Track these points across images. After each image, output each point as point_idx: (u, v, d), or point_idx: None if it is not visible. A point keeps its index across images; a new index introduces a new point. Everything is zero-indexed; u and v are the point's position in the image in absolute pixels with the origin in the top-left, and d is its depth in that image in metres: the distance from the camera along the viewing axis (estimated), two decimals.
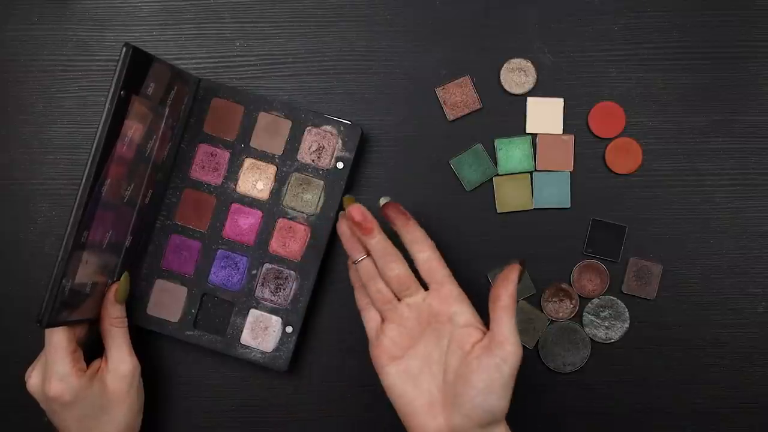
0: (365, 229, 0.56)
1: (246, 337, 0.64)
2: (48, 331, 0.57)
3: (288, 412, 0.66)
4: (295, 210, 0.64)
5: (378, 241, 0.56)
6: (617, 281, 0.65)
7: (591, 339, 0.65)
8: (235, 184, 0.64)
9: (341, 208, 0.64)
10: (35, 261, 0.66)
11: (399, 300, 0.57)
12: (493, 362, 0.52)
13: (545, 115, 0.65)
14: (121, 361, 0.60)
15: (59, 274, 0.54)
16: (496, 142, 0.65)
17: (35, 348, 0.62)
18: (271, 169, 0.64)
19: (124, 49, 0.53)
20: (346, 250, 0.57)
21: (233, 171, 0.64)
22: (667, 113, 0.65)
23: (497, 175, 0.65)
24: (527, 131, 0.65)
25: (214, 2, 0.66)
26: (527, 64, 0.65)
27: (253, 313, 0.64)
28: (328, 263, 0.66)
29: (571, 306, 0.65)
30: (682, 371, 0.65)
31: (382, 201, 0.57)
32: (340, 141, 0.64)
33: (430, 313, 0.56)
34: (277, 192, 0.64)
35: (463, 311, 0.55)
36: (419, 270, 0.56)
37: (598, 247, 0.65)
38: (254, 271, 0.64)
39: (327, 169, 0.64)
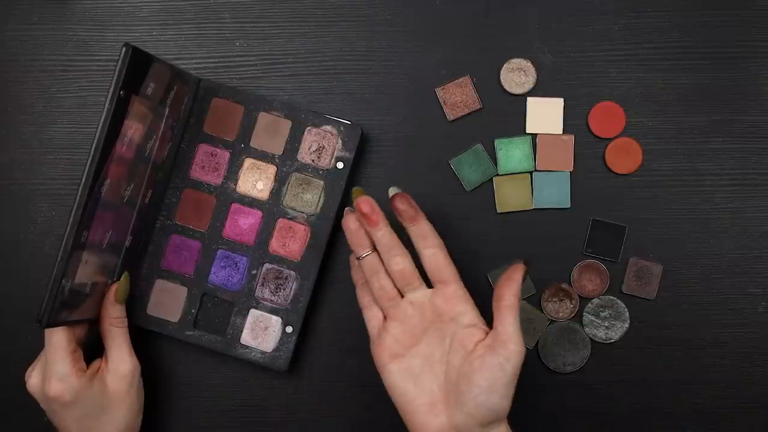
0: (372, 221, 0.55)
1: (246, 337, 0.64)
2: (48, 331, 0.57)
3: (288, 412, 0.66)
4: (295, 210, 0.64)
5: (384, 234, 0.56)
6: (617, 281, 0.65)
7: (591, 339, 0.65)
8: (235, 184, 0.64)
9: (345, 205, 0.64)
10: (35, 261, 0.66)
11: (402, 296, 0.56)
12: (497, 361, 0.52)
13: (545, 115, 0.65)
14: (121, 361, 0.60)
15: (59, 274, 0.54)
16: (496, 142, 0.65)
17: (35, 348, 0.62)
18: (271, 169, 0.64)
19: (124, 49, 0.53)
20: (350, 245, 0.57)
21: (233, 171, 0.64)
22: (667, 113, 0.65)
23: (497, 175, 0.65)
24: (527, 131, 0.65)
25: (214, 2, 0.66)
26: (527, 64, 0.65)
27: (253, 313, 0.64)
28: (328, 263, 0.66)
29: (571, 306, 0.65)
30: (682, 371, 0.65)
31: (392, 191, 0.57)
32: (340, 141, 0.64)
33: (433, 311, 0.56)
34: (277, 192, 0.64)
35: (467, 311, 0.55)
36: (425, 267, 0.56)
37: (598, 247, 0.65)
38: (254, 271, 0.64)
39: (327, 169, 0.64)
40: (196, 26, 0.66)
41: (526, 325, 0.65)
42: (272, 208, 0.64)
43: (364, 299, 0.58)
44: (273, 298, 0.64)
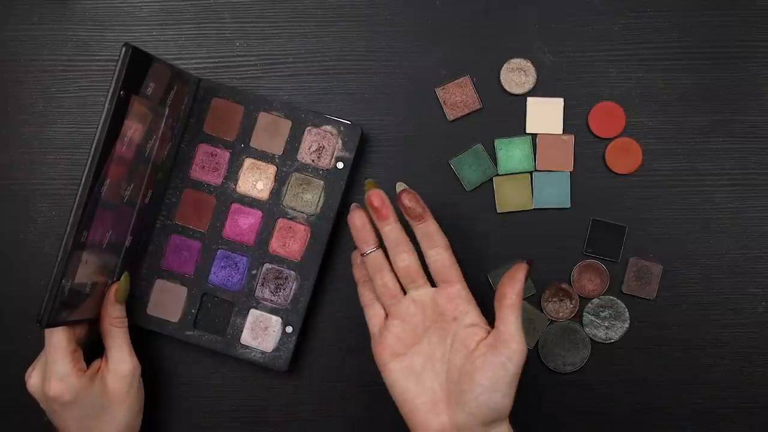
0: (382, 215, 0.55)
1: (246, 337, 0.64)
2: (48, 331, 0.57)
3: (288, 412, 0.66)
4: (295, 210, 0.64)
5: (392, 229, 0.55)
6: (617, 281, 0.65)
7: (591, 339, 0.65)
8: (235, 184, 0.64)
9: (345, 205, 0.64)
10: (35, 261, 0.66)
11: (404, 293, 0.56)
12: (499, 360, 0.52)
13: (545, 115, 0.65)
14: (121, 361, 0.60)
15: (59, 274, 0.54)
16: (496, 142, 0.65)
17: (35, 348, 0.62)
18: (271, 169, 0.64)
19: (124, 49, 0.53)
20: (355, 241, 0.57)
21: (233, 171, 0.64)
22: (667, 113, 0.65)
23: (497, 175, 0.65)
24: (527, 131, 0.65)
25: (214, 2, 0.66)
26: (527, 64, 0.65)
27: (253, 313, 0.64)
28: (328, 263, 0.66)
29: (571, 306, 0.65)
30: (682, 371, 0.65)
31: (399, 187, 0.57)
32: (340, 141, 0.64)
33: (435, 310, 0.55)
34: (277, 192, 0.64)
35: (469, 311, 0.55)
36: (429, 266, 0.55)
37: (598, 247, 0.65)
38: (254, 271, 0.64)
39: (327, 169, 0.64)
40: (196, 26, 0.66)
41: (526, 325, 0.65)
42: (272, 208, 0.64)
43: (365, 297, 0.58)
44: (273, 298, 0.64)
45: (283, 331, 0.64)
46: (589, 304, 0.65)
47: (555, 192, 0.65)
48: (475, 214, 0.65)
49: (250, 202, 0.64)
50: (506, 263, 0.65)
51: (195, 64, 0.66)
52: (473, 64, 0.65)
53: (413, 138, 0.65)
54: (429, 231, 0.55)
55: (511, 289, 0.54)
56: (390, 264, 0.56)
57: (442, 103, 0.65)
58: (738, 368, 0.65)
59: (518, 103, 0.65)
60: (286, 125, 0.64)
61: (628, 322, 0.65)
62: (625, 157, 0.65)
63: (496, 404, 0.52)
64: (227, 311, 0.65)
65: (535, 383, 0.65)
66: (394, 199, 0.58)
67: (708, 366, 0.65)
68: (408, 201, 0.55)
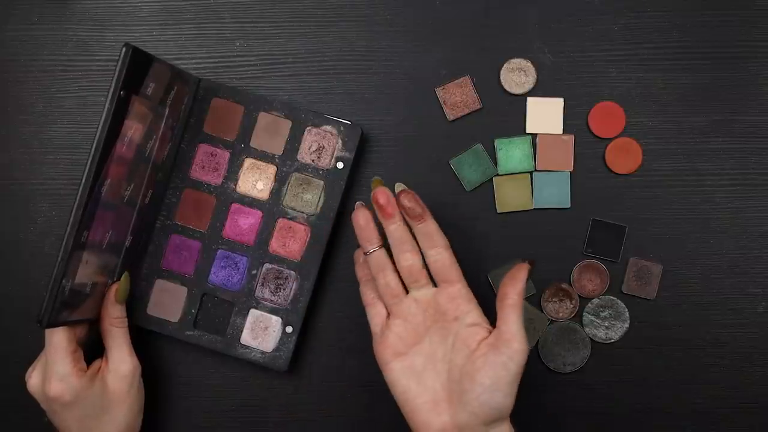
0: (387, 214, 0.55)
1: (246, 337, 0.64)
2: (48, 332, 0.57)
3: (288, 412, 0.66)
4: (295, 210, 0.64)
5: (397, 227, 0.55)
6: (617, 281, 0.65)
7: (591, 339, 0.65)
8: (235, 184, 0.64)
9: (345, 205, 0.64)
10: (35, 261, 0.66)
11: (407, 292, 0.56)
12: (500, 360, 0.52)
13: (545, 115, 0.65)
14: (121, 361, 0.60)
15: (59, 274, 0.54)
16: (496, 142, 0.65)
17: (35, 348, 0.62)
18: (271, 169, 0.64)
19: (124, 49, 0.53)
20: (358, 240, 0.57)
21: (233, 171, 0.64)
22: (667, 113, 0.65)
23: (497, 175, 0.65)
24: (527, 131, 0.65)
25: (214, 2, 0.66)
26: (527, 64, 0.65)
27: (253, 313, 0.64)
28: (328, 263, 0.66)
29: (571, 306, 0.65)
30: (682, 371, 0.65)
31: (398, 188, 0.57)
32: (340, 141, 0.64)
33: (437, 310, 0.56)
34: (277, 192, 0.64)
35: (471, 311, 0.55)
36: (430, 266, 0.55)
37: (598, 247, 0.65)
38: (254, 271, 0.64)
39: (327, 169, 0.64)
40: (196, 26, 0.66)
41: (526, 325, 0.65)
42: (272, 208, 0.64)
43: (367, 296, 0.58)
44: (273, 298, 0.64)
45: (283, 331, 0.64)
46: (589, 304, 0.65)
47: (555, 192, 0.65)
48: (475, 214, 0.65)
49: (250, 202, 0.64)
50: (506, 263, 0.65)
51: (195, 64, 0.66)
52: (473, 64, 0.65)
53: (413, 138, 0.65)
54: (429, 231, 0.55)
55: (513, 288, 0.54)
56: (393, 263, 0.56)
57: (442, 103, 0.65)
58: (738, 368, 0.65)
59: (518, 103, 0.65)
60: (286, 125, 0.64)
61: (628, 322, 0.65)
62: (625, 157, 0.65)
63: (498, 404, 0.52)
64: (227, 311, 0.65)
65: (535, 383, 0.65)
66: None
67: (708, 366, 0.65)
68: (407, 201, 0.55)
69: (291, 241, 0.64)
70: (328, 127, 0.64)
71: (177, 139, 0.64)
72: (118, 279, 0.61)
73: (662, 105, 0.65)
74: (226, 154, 0.64)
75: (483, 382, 0.52)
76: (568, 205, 0.65)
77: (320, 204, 0.64)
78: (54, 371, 0.57)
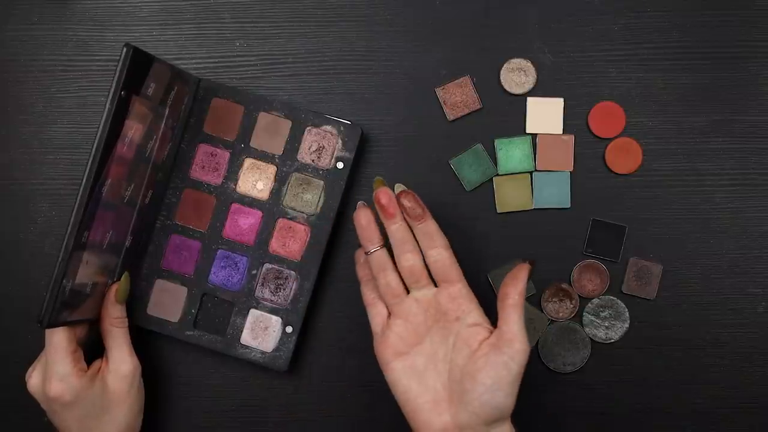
0: (389, 213, 0.55)
1: (246, 337, 0.64)
2: (48, 332, 0.57)
3: (288, 412, 0.66)
4: (295, 210, 0.64)
5: (398, 228, 0.56)
6: (617, 281, 0.65)
7: (591, 339, 0.65)
8: (235, 184, 0.64)
9: (345, 205, 0.64)
10: (35, 261, 0.66)
11: (408, 293, 0.56)
12: (501, 360, 0.52)
13: (545, 115, 0.65)
14: (121, 361, 0.60)
15: (59, 275, 0.54)
16: (496, 142, 0.65)
17: (35, 348, 0.62)
18: (271, 169, 0.64)
19: (125, 50, 0.53)
20: (360, 239, 0.57)
21: (233, 171, 0.64)
22: (667, 113, 0.65)
23: (497, 175, 0.65)
24: (527, 131, 0.65)
25: (214, 2, 0.66)
26: (527, 64, 0.65)
27: (253, 313, 0.64)
28: (328, 263, 0.66)
29: (571, 306, 0.65)
30: (682, 371, 0.65)
31: (398, 188, 0.57)
32: (340, 141, 0.64)
33: (438, 310, 0.56)
34: (277, 192, 0.64)
35: (472, 311, 0.55)
36: (430, 266, 0.56)
37: (598, 247, 0.65)
38: (254, 271, 0.64)
39: (327, 169, 0.64)
40: (196, 26, 0.66)
41: (526, 325, 0.64)
42: (272, 208, 0.64)
43: (368, 296, 0.58)
44: (273, 298, 0.64)
45: (283, 331, 0.64)
46: (589, 304, 0.65)
47: (555, 192, 0.65)
48: (475, 214, 0.65)
49: (250, 202, 0.64)
50: (506, 263, 0.65)
51: (195, 64, 0.66)
52: (473, 64, 0.65)
53: (413, 138, 0.65)
54: (429, 231, 0.55)
55: (514, 288, 0.54)
56: (394, 263, 0.56)
57: (442, 103, 0.65)
58: (738, 368, 0.65)
59: (518, 103, 0.65)
60: (286, 125, 0.64)
61: (628, 322, 0.65)
62: (625, 157, 0.65)
63: (499, 403, 0.52)
64: (227, 311, 0.65)
65: (535, 383, 0.65)
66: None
67: (708, 366, 0.65)
68: (407, 201, 0.55)
69: (291, 241, 0.64)
70: (328, 127, 0.64)
71: (177, 139, 0.64)
72: (118, 279, 0.61)
73: (662, 105, 0.65)
74: (226, 154, 0.64)
75: (484, 381, 0.52)
76: (568, 205, 0.65)
77: (320, 204, 0.64)
78: (54, 371, 0.57)
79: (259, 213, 0.64)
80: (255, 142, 0.64)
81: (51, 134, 0.66)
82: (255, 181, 0.64)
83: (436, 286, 0.56)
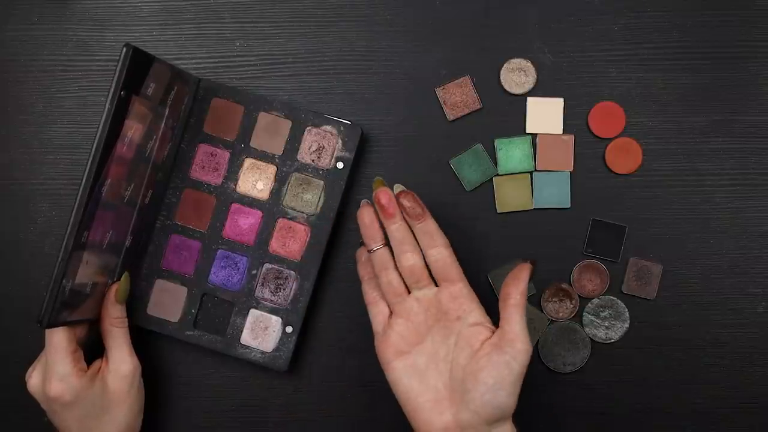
0: (388, 213, 0.55)
1: (246, 337, 0.64)
2: (48, 332, 0.57)
3: (288, 412, 0.66)
4: (295, 210, 0.64)
5: (398, 227, 0.56)
6: (617, 281, 0.65)
7: (591, 339, 0.65)
8: (235, 184, 0.64)
9: (345, 205, 0.64)
10: (35, 261, 0.66)
11: (409, 293, 0.56)
12: (503, 359, 0.52)
13: (545, 115, 0.65)
14: (121, 361, 0.60)
15: (59, 275, 0.54)
16: (496, 142, 0.65)
17: (35, 348, 0.62)
18: (271, 169, 0.64)
19: (125, 50, 0.53)
20: (363, 238, 0.57)
21: (233, 171, 0.64)
22: (667, 113, 0.65)
23: (497, 175, 0.65)
24: (527, 131, 0.65)
25: (214, 2, 0.66)
26: (527, 64, 0.65)
27: (253, 313, 0.64)
28: (328, 263, 0.66)
29: (571, 306, 0.65)
30: (682, 371, 0.65)
31: (397, 189, 0.57)
32: (340, 141, 0.64)
33: (439, 309, 0.56)
34: (277, 192, 0.64)
35: (473, 310, 0.55)
36: (430, 265, 0.56)
37: (598, 247, 0.65)
38: (254, 271, 0.64)
39: (327, 169, 0.64)
40: (196, 26, 0.66)
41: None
42: (272, 208, 0.64)
43: (370, 294, 0.58)
44: (273, 298, 0.64)
45: (283, 331, 0.64)
46: (589, 304, 0.65)
47: (555, 192, 0.65)
48: (475, 214, 0.65)
49: (250, 202, 0.64)
50: (506, 263, 0.65)
51: (195, 64, 0.66)
52: (473, 64, 0.65)
53: (413, 138, 0.65)
54: (429, 230, 0.55)
55: (516, 288, 0.54)
56: (395, 262, 0.56)
57: (442, 103, 0.65)
58: (738, 368, 0.65)
59: (518, 103, 0.65)
60: (286, 125, 0.64)
61: (628, 322, 0.65)
62: (625, 157, 0.65)
63: (500, 403, 0.52)
64: (227, 311, 0.65)
65: (535, 383, 0.65)
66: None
67: (708, 366, 0.65)
68: (407, 201, 0.55)
69: (291, 241, 0.64)
70: (328, 127, 0.64)
71: (177, 139, 0.64)
72: (118, 279, 0.61)
73: (662, 105, 0.65)
74: (226, 154, 0.64)
75: (486, 381, 0.52)
76: (568, 205, 0.65)
77: (320, 204, 0.64)
78: (54, 371, 0.57)
79: (259, 213, 0.64)
80: (255, 142, 0.64)
81: (51, 134, 0.66)
82: (255, 181, 0.64)
83: (437, 285, 0.56)
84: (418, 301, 0.56)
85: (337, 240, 0.66)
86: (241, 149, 0.64)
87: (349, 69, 0.66)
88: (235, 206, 0.64)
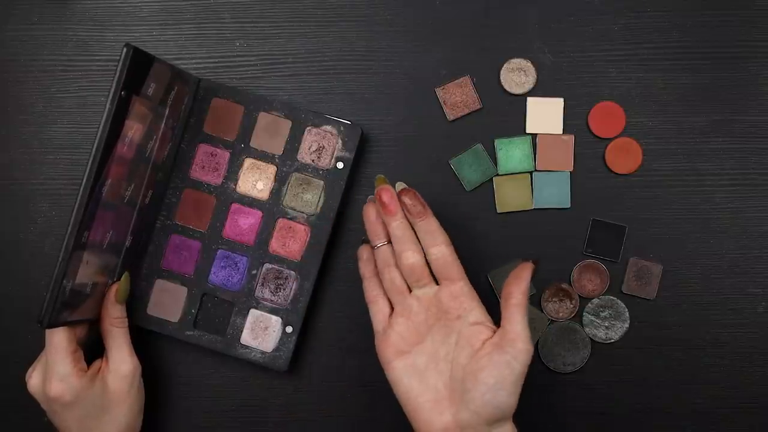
0: (390, 211, 0.55)
1: (246, 337, 0.64)
2: (48, 332, 0.57)
3: (288, 412, 0.66)
4: (295, 210, 0.64)
5: (399, 225, 0.56)
6: (617, 281, 0.65)
7: (591, 339, 0.65)
8: (235, 184, 0.64)
9: (345, 205, 0.64)
10: (35, 261, 0.66)
11: (410, 291, 0.56)
12: (504, 359, 0.52)
13: (545, 115, 0.65)
14: (121, 361, 0.60)
15: (60, 275, 0.54)
16: (496, 142, 0.65)
17: (35, 348, 0.62)
18: (271, 169, 0.64)
19: (125, 50, 0.53)
20: (368, 234, 0.57)
21: (233, 171, 0.64)
22: (667, 113, 0.65)
23: (497, 175, 0.65)
24: (527, 131, 0.65)
25: (214, 2, 0.66)
26: (527, 64, 0.65)
27: (253, 313, 0.64)
28: (328, 263, 0.66)
29: (571, 306, 0.65)
30: (682, 371, 0.65)
31: (398, 186, 0.57)
32: (340, 141, 0.64)
33: (439, 308, 0.56)
34: (277, 192, 0.64)
35: (474, 309, 0.55)
36: (431, 263, 0.55)
37: (598, 247, 0.65)
38: (254, 271, 0.64)
39: (327, 169, 0.64)
40: (196, 26, 0.66)
41: None
42: (272, 208, 0.64)
43: (371, 292, 0.58)
44: (273, 298, 0.64)
45: (283, 331, 0.64)
46: (589, 304, 0.65)
47: (555, 192, 0.65)
48: (475, 214, 0.65)
49: (250, 202, 0.64)
50: (506, 263, 0.65)
51: (195, 64, 0.66)
52: (473, 64, 0.65)
53: (413, 138, 0.65)
54: (430, 228, 0.55)
55: (517, 288, 0.54)
56: None
57: (442, 103, 0.65)
58: (738, 368, 0.65)
59: (518, 103, 0.65)
60: (286, 125, 0.64)
61: (628, 322, 0.65)
62: (625, 157, 0.65)
63: (501, 403, 0.52)
64: (227, 311, 0.65)
65: (535, 383, 0.65)
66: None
67: (708, 366, 0.65)
68: (408, 199, 0.55)
69: (291, 241, 0.64)
70: (328, 127, 0.64)
71: (177, 139, 0.64)
72: (118, 279, 0.61)
73: (662, 105, 0.65)
74: (226, 154, 0.64)
75: (487, 381, 0.52)
76: (568, 205, 0.65)
77: (320, 204, 0.64)
78: (54, 371, 0.57)
79: (259, 213, 0.64)
80: (255, 142, 0.64)
81: (51, 134, 0.66)
82: (255, 181, 0.64)
83: (438, 284, 0.56)
84: (419, 299, 0.56)
85: (337, 240, 0.66)
86: (241, 149, 0.64)
87: (349, 69, 0.66)
88: (235, 206, 0.64)
